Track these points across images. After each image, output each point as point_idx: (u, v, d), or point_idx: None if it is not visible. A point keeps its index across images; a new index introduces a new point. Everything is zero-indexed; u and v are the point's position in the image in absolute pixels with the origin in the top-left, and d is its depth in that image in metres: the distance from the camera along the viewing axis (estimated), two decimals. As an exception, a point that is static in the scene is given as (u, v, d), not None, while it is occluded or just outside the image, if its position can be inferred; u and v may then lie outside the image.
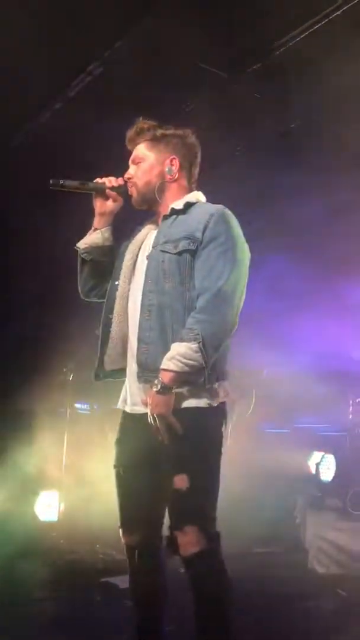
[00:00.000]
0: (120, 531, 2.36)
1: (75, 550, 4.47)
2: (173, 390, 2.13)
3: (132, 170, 2.44)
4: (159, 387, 2.12)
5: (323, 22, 3.08)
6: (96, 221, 2.50)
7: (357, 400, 5.45)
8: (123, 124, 2.49)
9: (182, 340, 2.13)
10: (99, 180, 2.47)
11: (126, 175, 2.45)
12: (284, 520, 5.32)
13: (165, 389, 2.11)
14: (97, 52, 3.32)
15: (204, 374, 2.16)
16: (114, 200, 2.46)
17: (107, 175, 2.45)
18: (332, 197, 5.12)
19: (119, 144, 2.50)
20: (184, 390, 2.17)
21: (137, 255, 2.42)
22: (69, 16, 3.06)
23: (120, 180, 2.45)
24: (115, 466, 2.36)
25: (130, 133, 2.46)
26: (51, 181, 2.37)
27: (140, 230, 2.51)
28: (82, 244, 2.49)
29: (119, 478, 2.36)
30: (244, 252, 2.29)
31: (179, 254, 2.25)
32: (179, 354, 2.11)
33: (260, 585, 3.83)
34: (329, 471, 5.68)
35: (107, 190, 2.44)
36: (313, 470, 5.79)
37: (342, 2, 2.99)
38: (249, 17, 3.10)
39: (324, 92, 3.71)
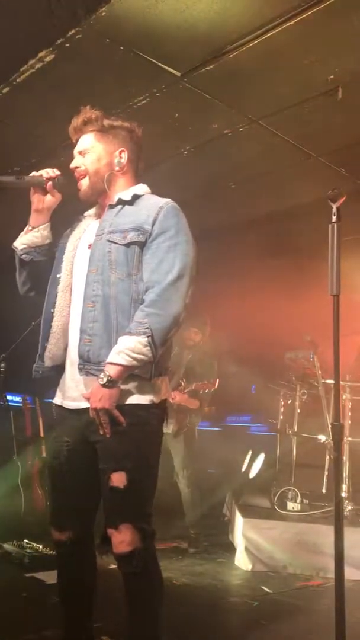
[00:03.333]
0: (51, 527, 2.32)
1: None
2: (118, 385, 2.10)
3: (78, 160, 2.36)
4: (104, 380, 2.07)
5: (278, 30, 3.12)
6: (33, 219, 2.39)
7: (288, 402, 5.57)
8: (70, 113, 2.39)
9: (130, 333, 2.09)
10: (35, 173, 2.36)
11: (73, 165, 2.36)
12: (212, 517, 5.40)
13: (111, 383, 2.07)
14: (50, 38, 3.25)
15: (150, 369, 2.15)
16: (53, 195, 2.36)
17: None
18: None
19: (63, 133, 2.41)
20: (127, 385, 2.14)
21: (77, 246, 2.36)
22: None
23: (57, 172, 2.36)
24: (49, 461, 2.34)
25: (76, 122, 2.38)
26: None
27: (80, 221, 2.45)
28: (19, 244, 2.38)
29: (53, 473, 2.34)
30: (192, 246, 2.27)
31: (127, 245, 2.21)
32: (127, 347, 2.07)
33: (186, 580, 3.86)
34: (259, 470, 5.80)
35: (48, 185, 2.33)
36: (243, 468, 5.90)
37: (296, 11, 3.03)
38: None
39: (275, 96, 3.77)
